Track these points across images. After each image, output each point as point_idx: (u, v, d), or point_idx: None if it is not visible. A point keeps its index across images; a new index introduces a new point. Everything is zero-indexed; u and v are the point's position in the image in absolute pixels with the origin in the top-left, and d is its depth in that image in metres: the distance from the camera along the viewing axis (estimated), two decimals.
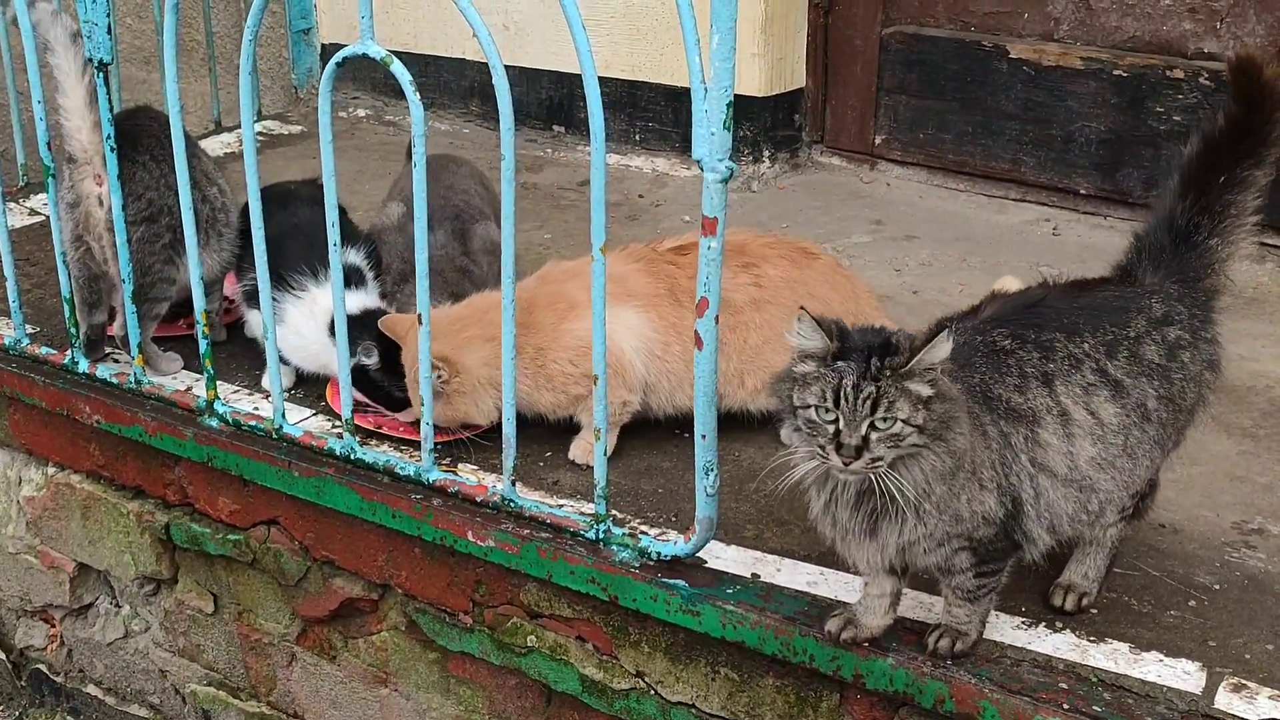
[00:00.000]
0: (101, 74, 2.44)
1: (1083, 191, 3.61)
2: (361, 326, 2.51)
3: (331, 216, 2.26)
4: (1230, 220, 1.96)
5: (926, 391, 1.72)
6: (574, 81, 4.23)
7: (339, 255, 2.29)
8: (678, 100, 4.08)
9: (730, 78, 1.83)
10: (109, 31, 2.41)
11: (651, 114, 4.14)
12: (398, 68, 2.13)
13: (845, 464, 1.70)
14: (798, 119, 4.02)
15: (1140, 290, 1.98)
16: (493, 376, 2.38)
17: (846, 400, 1.69)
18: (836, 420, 1.70)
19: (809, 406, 1.72)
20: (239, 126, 4.59)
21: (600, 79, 4.16)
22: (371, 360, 2.50)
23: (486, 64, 4.34)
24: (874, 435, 1.69)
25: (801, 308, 1.74)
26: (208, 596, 2.83)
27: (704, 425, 2.01)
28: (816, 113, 4.01)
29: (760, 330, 2.48)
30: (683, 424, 2.53)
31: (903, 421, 1.69)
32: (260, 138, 4.55)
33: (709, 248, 1.92)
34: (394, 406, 2.56)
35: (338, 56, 2.18)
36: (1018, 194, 3.74)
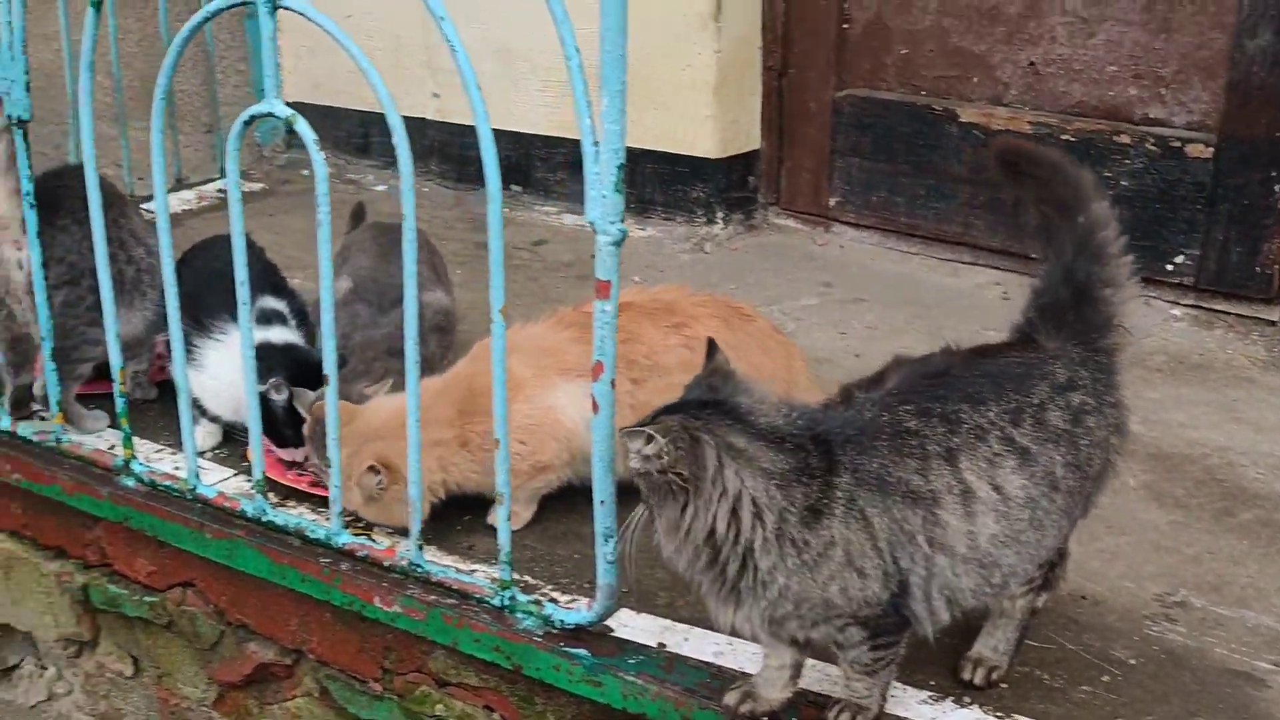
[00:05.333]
0: (21, 131, 2.43)
1: (1033, 256, 3.56)
2: (279, 356, 2.51)
3: (240, 275, 2.25)
4: (1113, 263, 1.93)
5: (636, 466, 1.76)
6: (531, 141, 4.25)
7: (248, 313, 2.27)
8: (631, 161, 3.99)
9: (619, 140, 1.81)
10: (27, 89, 2.40)
11: None
12: (301, 125, 2.12)
13: None
14: (752, 180, 4.01)
15: (1043, 355, 1.94)
16: (432, 481, 2.32)
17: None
18: None
19: None
20: (202, 183, 4.63)
21: (559, 139, 4.23)
22: (281, 398, 2.46)
23: (446, 123, 4.40)
24: None
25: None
26: (128, 659, 2.78)
27: (602, 491, 1.97)
28: (772, 175, 4.01)
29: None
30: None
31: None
32: (220, 195, 4.56)
33: (603, 310, 1.89)
34: (281, 444, 2.52)
35: (244, 114, 2.17)
36: (970, 257, 3.72)
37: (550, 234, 4.09)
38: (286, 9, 2.06)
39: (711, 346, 1.88)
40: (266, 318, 2.63)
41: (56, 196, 2.60)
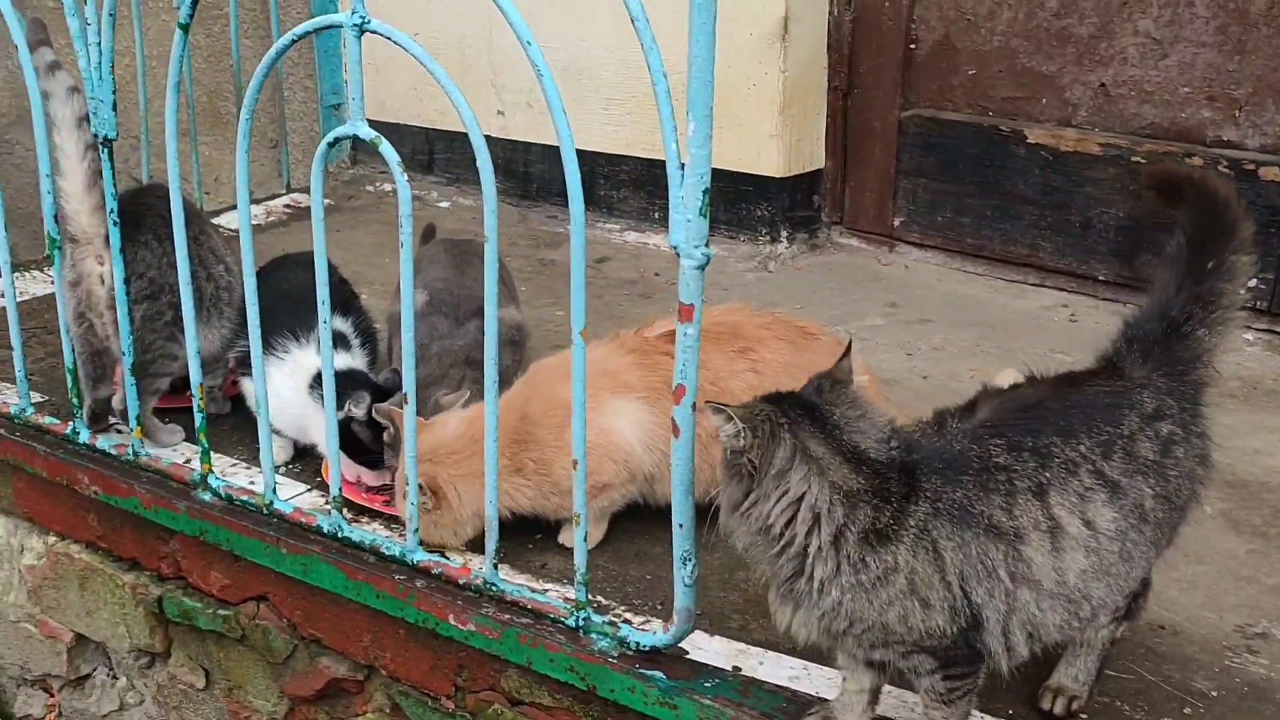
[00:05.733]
0: (106, 150, 2.47)
1: (1101, 278, 3.56)
2: (344, 383, 2.50)
3: (322, 294, 2.27)
4: (1221, 311, 1.91)
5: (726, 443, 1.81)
6: (594, 160, 4.27)
7: (329, 327, 2.29)
8: None
9: (706, 165, 1.82)
10: (114, 108, 2.44)
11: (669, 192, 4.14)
12: (386, 149, 2.14)
13: None
14: (816, 200, 4.01)
15: (1130, 384, 1.92)
16: (477, 513, 2.36)
17: None
18: None
19: None
20: (268, 198, 4.68)
21: (621, 157, 4.26)
22: (360, 411, 2.48)
23: (510, 141, 4.43)
24: None
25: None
26: (199, 671, 2.81)
27: (681, 514, 1.98)
28: (835, 194, 4.00)
29: None
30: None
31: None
32: (287, 210, 4.62)
33: (685, 334, 1.90)
34: (371, 465, 2.55)
35: (329, 136, 2.19)
36: (1036, 279, 3.70)
37: (613, 252, 4.10)
38: (374, 33, 2.08)
39: (847, 349, 1.90)
40: (336, 342, 2.66)
41: (138, 213, 2.64)
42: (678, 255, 1.89)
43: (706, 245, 1.87)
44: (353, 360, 2.69)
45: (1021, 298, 3.69)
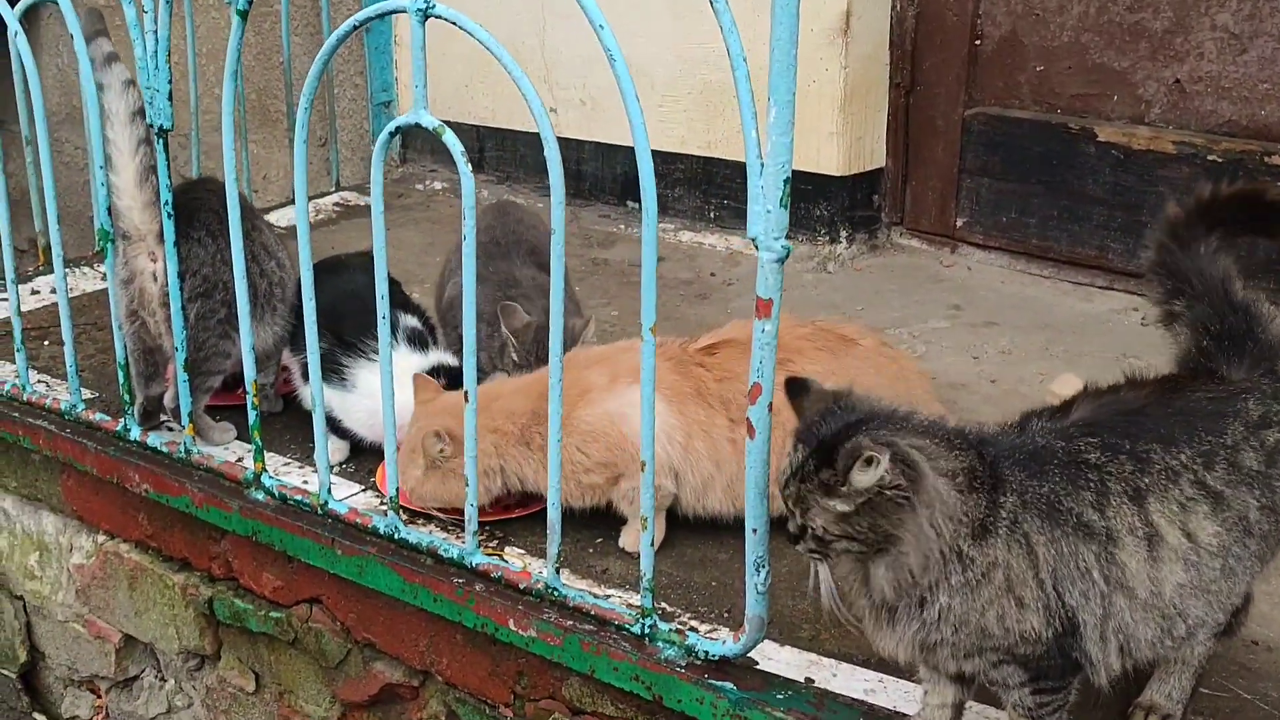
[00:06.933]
0: (161, 141, 2.42)
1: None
2: (451, 375, 2.58)
3: (381, 289, 2.21)
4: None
5: (845, 508, 1.63)
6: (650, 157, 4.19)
7: (387, 327, 2.23)
8: None
9: (788, 153, 1.74)
10: (169, 98, 2.39)
11: (727, 191, 4.07)
12: (449, 137, 2.07)
13: (794, 545, 1.70)
14: (876, 199, 3.92)
15: (1233, 390, 1.82)
16: (488, 465, 2.36)
17: (787, 487, 1.67)
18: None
19: None
20: (317, 196, 4.63)
21: (675, 155, 4.18)
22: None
23: (561, 138, 4.35)
24: (808, 529, 1.66)
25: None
26: (249, 675, 2.75)
27: (755, 519, 1.90)
28: (896, 193, 3.91)
29: None
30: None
31: (821, 529, 1.65)
32: (337, 208, 4.57)
33: (763, 330, 1.82)
34: None
35: (390, 125, 2.13)
36: (1104, 281, 3.59)
37: (667, 251, 4.03)
38: (439, 18, 2.01)
39: (797, 387, 1.79)
40: (420, 339, 2.61)
41: (192, 208, 2.59)
42: (755, 248, 1.82)
43: (785, 237, 1.79)
44: (441, 356, 2.64)
45: (1089, 300, 3.59)
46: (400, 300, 2.75)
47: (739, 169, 4.04)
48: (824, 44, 3.68)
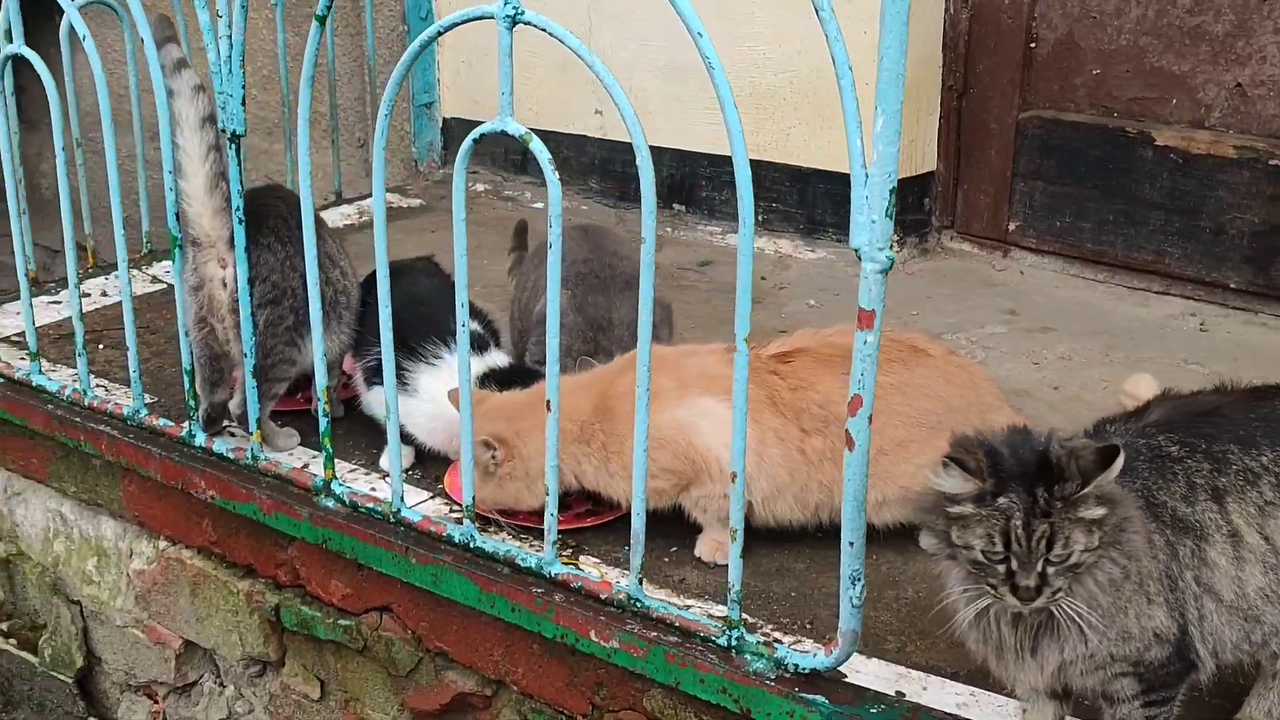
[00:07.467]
0: (234, 146, 2.41)
1: (1233, 286, 3.43)
2: (514, 379, 2.54)
3: (461, 297, 2.20)
4: None
5: (1100, 512, 1.58)
6: (695, 160, 4.18)
7: (466, 336, 2.22)
8: (802, 181, 3.99)
9: (894, 163, 1.72)
10: (243, 103, 2.38)
11: (775, 195, 4.05)
12: (536, 145, 2.06)
13: (1024, 604, 1.57)
14: (927, 203, 3.90)
15: None
16: (544, 468, 2.30)
17: (1019, 543, 1.55)
18: (1008, 561, 1.56)
19: (972, 548, 1.58)
20: (359, 198, 4.62)
21: (724, 158, 4.14)
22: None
23: (607, 140, 4.35)
24: (1050, 570, 1.56)
25: (947, 458, 1.60)
26: (315, 682, 2.73)
27: (852, 532, 1.87)
28: (947, 197, 3.89)
29: (874, 443, 2.35)
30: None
31: (1080, 550, 1.56)
32: None
33: (865, 342, 1.80)
34: None
35: (475, 133, 2.11)
36: (1161, 286, 3.57)
37: (716, 255, 4.01)
38: (528, 24, 1.99)
39: None
40: (482, 343, 2.59)
41: (260, 215, 2.57)
42: (859, 259, 1.80)
43: (891, 248, 1.77)
44: (493, 359, 2.63)
45: (1146, 305, 3.56)
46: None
47: (787, 173, 4.06)
48: (874, 47, 3.63)
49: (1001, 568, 1.57)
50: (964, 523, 1.59)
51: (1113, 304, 3.60)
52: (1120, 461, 1.57)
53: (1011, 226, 3.79)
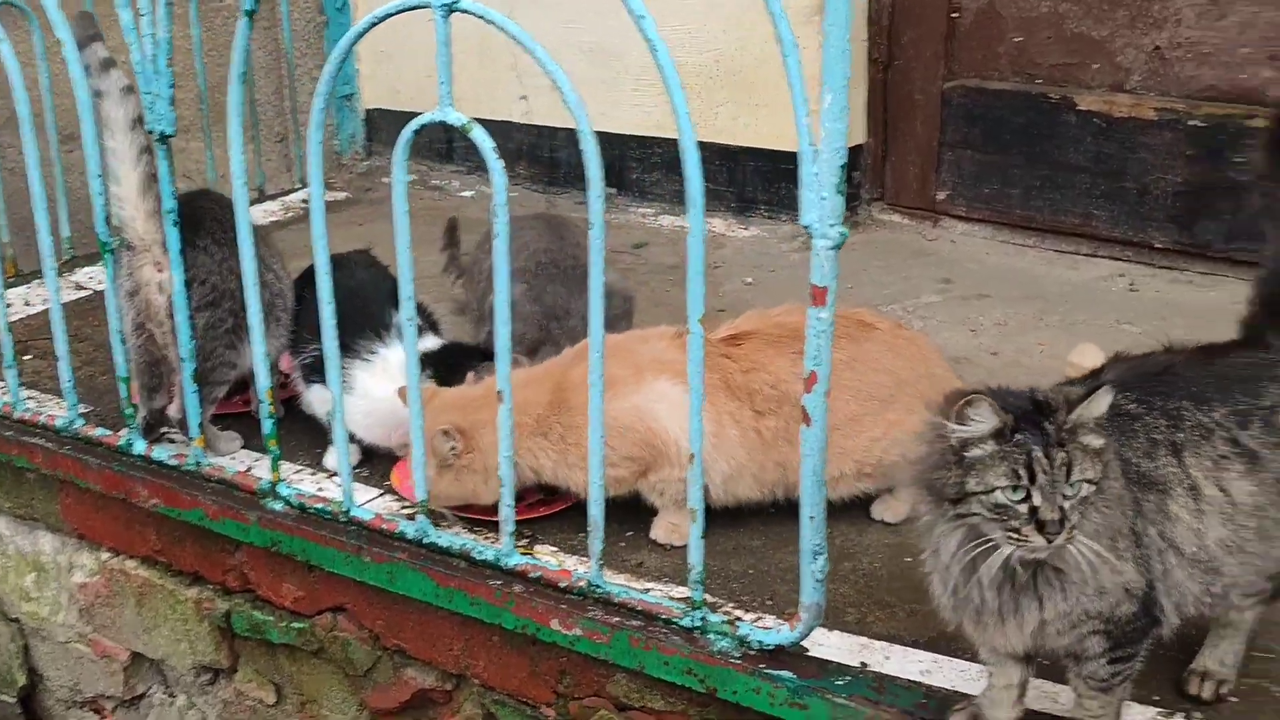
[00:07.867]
0: (164, 147, 2.35)
1: (1158, 245, 3.50)
2: (459, 356, 2.53)
3: (406, 290, 2.17)
4: None
5: (1100, 442, 1.62)
6: (625, 143, 4.16)
7: (414, 331, 2.19)
8: (732, 160, 4.00)
9: (843, 139, 1.72)
10: (171, 103, 2.32)
11: (706, 174, 4.01)
12: (479, 134, 2.04)
13: (1049, 541, 1.58)
14: (856, 176, 3.92)
15: (1273, 356, 1.85)
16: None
17: (1044, 471, 1.57)
18: (1028, 497, 1.58)
19: (993, 490, 1.59)
20: (282, 194, 4.55)
21: (652, 140, 4.15)
22: None
23: (533, 126, 4.31)
24: (1066, 505, 1.58)
25: (977, 393, 1.61)
26: (269, 687, 2.70)
27: (812, 506, 1.89)
28: (876, 169, 3.92)
29: None
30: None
31: (1089, 481, 1.60)
32: (304, 205, 4.48)
33: (818, 319, 1.81)
34: None
35: (416, 124, 2.09)
36: (1089, 249, 3.63)
37: (649, 236, 4.00)
38: (464, 12, 1.97)
39: None
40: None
41: (196, 217, 2.52)
42: (810, 236, 1.80)
43: (842, 224, 1.78)
44: (433, 342, 2.60)
45: (1076, 269, 3.62)
46: (394, 298, 2.69)
47: (717, 151, 4.06)
48: (799, 23, 3.57)
49: (1023, 506, 1.58)
50: (983, 465, 1.60)
51: (1044, 268, 3.65)
52: (1109, 395, 1.61)
53: (940, 196, 3.82)
